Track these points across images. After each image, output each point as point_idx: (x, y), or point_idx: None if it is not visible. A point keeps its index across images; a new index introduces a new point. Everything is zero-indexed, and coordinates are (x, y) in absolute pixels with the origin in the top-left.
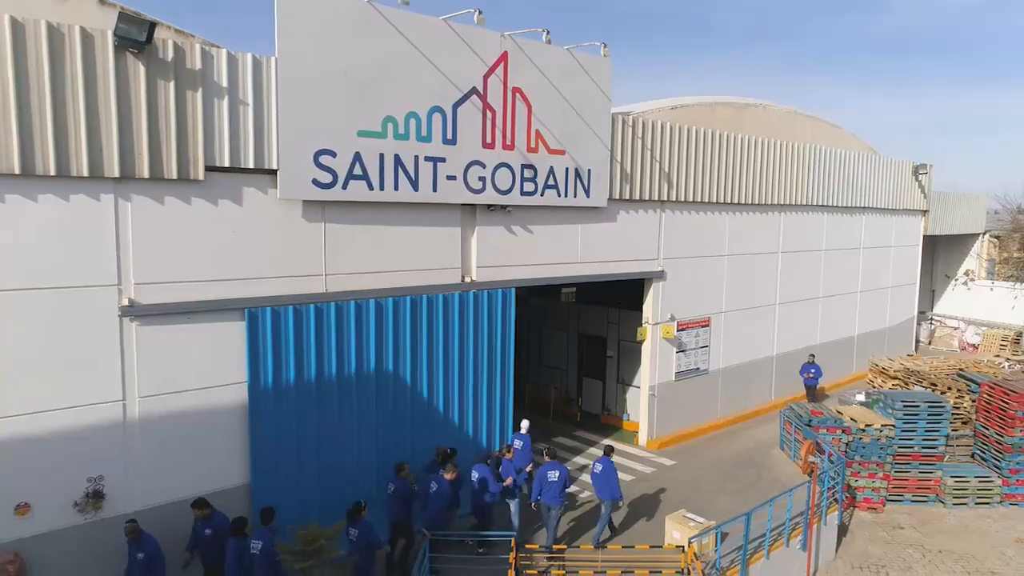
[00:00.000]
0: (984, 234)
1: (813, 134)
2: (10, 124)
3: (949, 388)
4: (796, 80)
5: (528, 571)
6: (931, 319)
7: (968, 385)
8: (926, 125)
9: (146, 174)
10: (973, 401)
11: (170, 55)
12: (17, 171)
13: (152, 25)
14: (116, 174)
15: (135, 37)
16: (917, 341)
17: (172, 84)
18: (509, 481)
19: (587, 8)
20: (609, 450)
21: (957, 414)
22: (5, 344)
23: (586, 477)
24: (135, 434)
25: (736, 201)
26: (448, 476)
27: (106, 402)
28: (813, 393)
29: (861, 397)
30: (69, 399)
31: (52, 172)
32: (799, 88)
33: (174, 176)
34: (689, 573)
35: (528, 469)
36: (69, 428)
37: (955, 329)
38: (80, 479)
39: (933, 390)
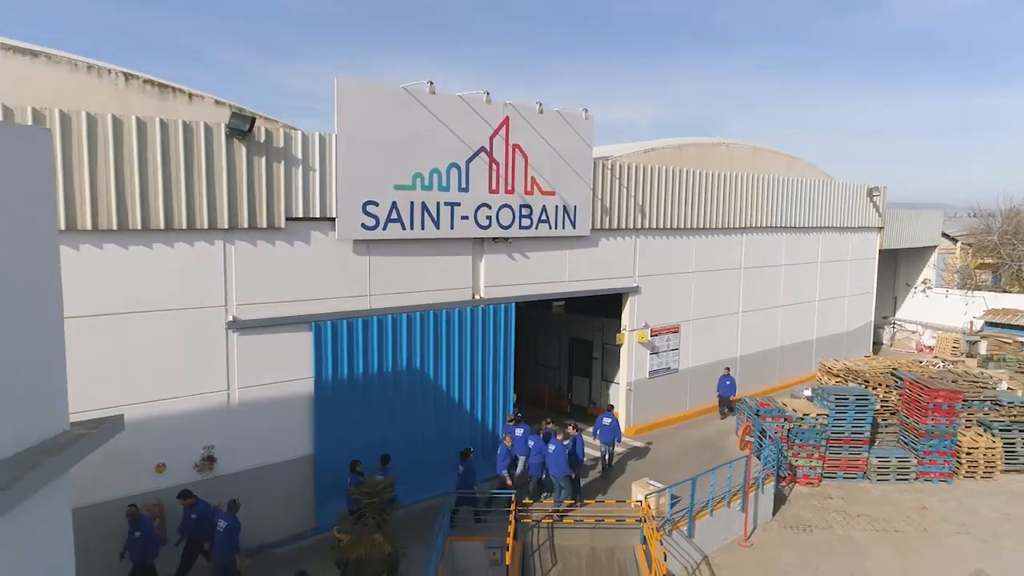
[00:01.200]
0: (956, 241)
1: (772, 165)
2: (158, 191)
3: (880, 384)
4: (796, 80)
5: (524, 519)
6: (893, 323)
7: (896, 381)
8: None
9: (245, 225)
10: (900, 395)
11: (263, 138)
12: (162, 226)
13: (253, 119)
14: (226, 226)
15: (241, 128)
16: (880, 343)
17: (264, 158)
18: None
19: (590, 9)
20: (551, 434)
21: (886, 406)
22: (149, 348)
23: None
24: (235, 415)
25: (701, 226)
26: (560, 438)
27: (216, 391)
28: (728, 403)
29: (808, 392)
30: (192, 389)
31: (184, 226)
32: (799, 88)
33: (264, 225)
34: (644, 520)
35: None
36: (191, 410)
37: (913, 333)
38: (198, 447)
39: (866, 386)
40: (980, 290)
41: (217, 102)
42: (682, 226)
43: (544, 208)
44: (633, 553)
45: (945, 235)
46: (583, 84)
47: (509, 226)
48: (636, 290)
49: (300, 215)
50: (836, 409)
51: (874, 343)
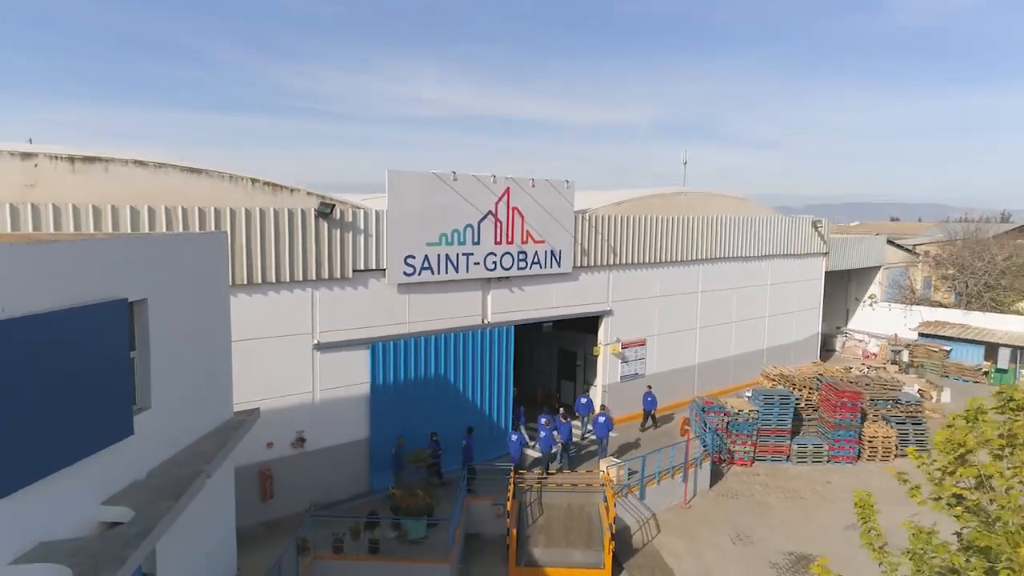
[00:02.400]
0: (919, 255)
1: (724, 208)
2: (272, 256)
3: (805, 387)
4: (796, 80)
5: (520, 484)
6: (844, 333)
7: (817, 384)
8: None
9: (326, 276)
10: (819, 395)
11: (339, 215)
12: (274, 280)
13: (333, 206)
14: (313, 278)
15: (324, 212)
16: (833, 350)
17: (338, 230)
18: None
19: (590, 10)
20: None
21: (809, 404)
22: (265, 363)
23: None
24: (317, 409)
25: (663, 260)
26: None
27: (305, 392)
28: (651, 417)
29: (748, 393)
30: (290, 390)
31: (287, 279)
32: (799, 89)
33: (338, 276)
34: (604, 485)
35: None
36: (290, 406)
37: (860, 341)
38: (293, 431)
39: (793, 389)
40: (920, 304)
41: (308, 193)
42: (647, 261)
43: (536, 253)
44: (597, 508)
45: (907, 249)
46: (583, 85)
47: (510, 268)
48: (609, 312)
49: (362, 268)
50: (764, 406)
51: (827, 350)
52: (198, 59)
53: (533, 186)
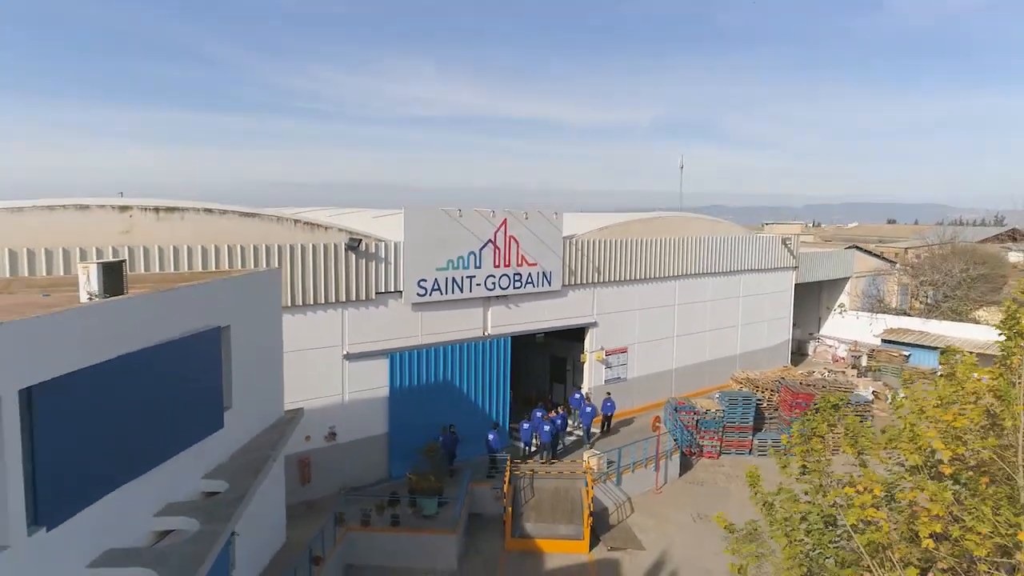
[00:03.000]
0: (895, 264)
1: (700, 229)
2: (310, 282)
3: (768, 389)
4: (796, 80)
5: (515, 472)
6: (817, 339)
7: (779, 387)
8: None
9: (354, 298)
10: (780, 396)
11: (363, 248)
12: (311, 302)
13: (360, 240)
14: (344, 299)
15: (353, 246)
16: (806, 355)
17: (364, 259)
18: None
19: (590, 10)
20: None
21: (771, 404)
22: (304, 370)
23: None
24: (346, 408)
25: (642, 278)
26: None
27: (337, 395)
28: (609, 421)
29: (717, 395)
30: (324, 393)
31: (323, 301)
32: (800, 89)
33: (364, 298)
34: (586, 473)
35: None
36: (324, 406)
37: (830, 347)
38: (327, 427)
39: (757, 391)
40: (885, 313)
41: (339, 230)
42: (627, 279)
43: (530, 274)
44: (579, 491)
45: (884, 258)
46: (583, 85)
47: (507, 288)
48: (594, 324)
49: (383, 290)
50: (729, 407)
51: (801, 354)
52: (198, 59)
53: (527, 218)
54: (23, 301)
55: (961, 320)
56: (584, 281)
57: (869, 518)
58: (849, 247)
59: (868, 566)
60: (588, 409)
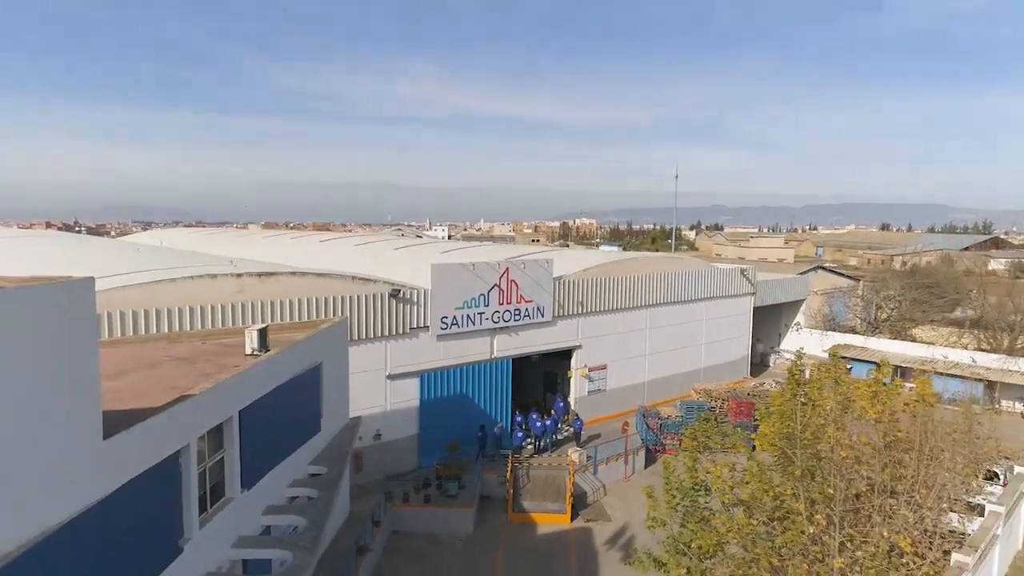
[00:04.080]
0: (859, 281)
1: (669, 265)
2: (364, 322)
3: (720, 398)
4: (796, 81)
5: (516, 463)
6: (777, 352)
7: (729, 396)
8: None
9: (394, 333)
10: (729, 405)
11: (401, 295)
12: (366, 336)
13: (399, 290)
14: (387, 334)
15: (394, 294)
16: (768, 366)
17: (402, 303)
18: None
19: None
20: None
21: (723, 411)
22: (365, 387)
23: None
24: (389, 416)
25: (618, 308)
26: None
27: (381, 405)
28: (579, 437)
29: (678, 403)
30: (374, 404)
31: (374, 336)
32: (800, 89)
33: (401, 332)
34: (570, 466)
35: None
36: (373, 414)
37: (787, 359)
38: (374, 429)
39: (711, 400)
40: (836, 331)
41: (384, 282)
42: (606, 309)
43: (527, 309)
44: (564, 478)
45: (847, 276)
46: (583, 85)
47: (509, 320)
48: (579, 346)
49: (415, 326)
50: (686, 413)
51: (764, 366)
52: (198, 59)
53: (524, 267)
54: (191, 347)
55: (900, 338)
56: (571, 312)
57: (720, 486)
58: (813, 268)
59: (718, 516)
60: (548, 422)
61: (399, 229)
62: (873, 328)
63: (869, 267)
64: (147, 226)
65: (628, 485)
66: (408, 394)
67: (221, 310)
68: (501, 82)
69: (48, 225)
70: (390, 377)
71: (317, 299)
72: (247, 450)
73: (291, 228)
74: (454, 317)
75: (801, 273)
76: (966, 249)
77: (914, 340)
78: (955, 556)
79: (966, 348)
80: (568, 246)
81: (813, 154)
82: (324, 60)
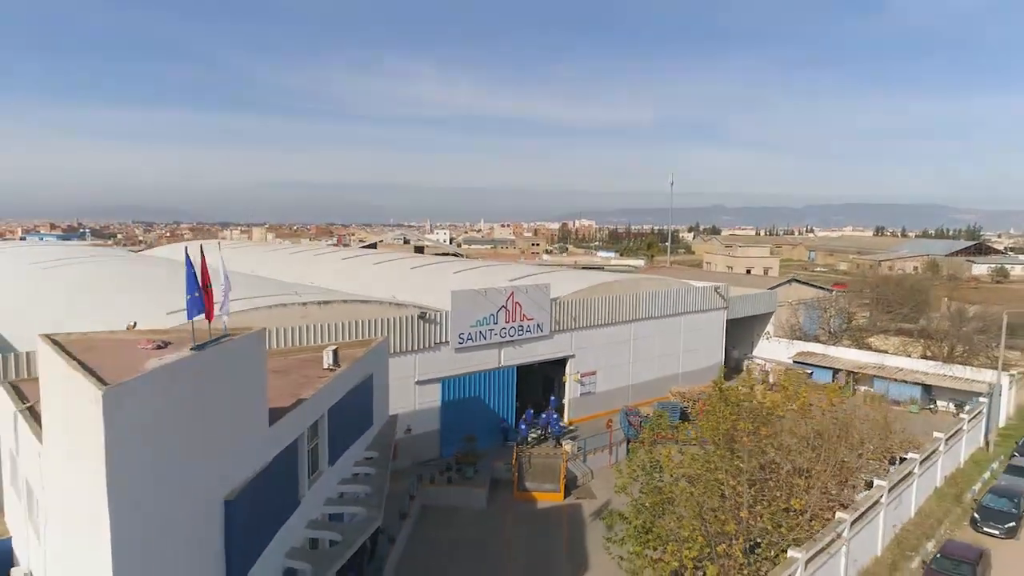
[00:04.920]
0: (832, 291)
1: (649, 285)
2: (398, 339)
3: (692, 400)
4: (796, 81)
5: (521, 452)
6: (750, 358)
7: (699, 398)
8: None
9: (422, 347)
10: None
11: (428, 317)
12: (400, 350)
13: (426, 313)
14: (415, 348)
15: (422, 316)
16: (742, 371)
17: (428, 323)
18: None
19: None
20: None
21: (694, 410)
22: (395, 391)
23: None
24: (417, 414)
25: (607, 323)
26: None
27: (410, 406)
28: (558, 439)
29: (656, 404)
30: (405, 405)
31: (408, 350)
32: (800, 89)
33: (427, 347)
34: (564, 455)
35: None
36: (406, 412)
37: (759, 364)
38: (406, 425)
39: (684, 401)
40: (802, 339)
41: (415, 306)
42: (595, 324)
43: (529, 325)
44: (559, 464)
45: (820, 287)
46: (584, 85)
47: (513, 336)
48: (573, 356)
49: (438, 341)
50: (661, 411)
51: (739, 371)
52: (198, 59)
53: (526, 292)
54: (278, 362)
55: (858, 346)
56: (565, 327)
57: (668, 464)
58: (787, 281)
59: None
60: (556, 420)
61: (402, 233)
62: (835, 338)
63: (858, 271)
64: (148, 226)
65: (611, 471)
66: (432, 396)
67: (293, 332)
68: (501, 82)
69: (52, 227)
70: (418, 383)
71: (364, 321)
72: (332, 437)
73: (295, 230)
74: (469, 333)
75: (771, 288)
76: (952, 254)
77: (870, 348)
78: (838, 514)
79: (909, 356)
80: (567, 249)
81: (814, 154)
82: (324, 60)
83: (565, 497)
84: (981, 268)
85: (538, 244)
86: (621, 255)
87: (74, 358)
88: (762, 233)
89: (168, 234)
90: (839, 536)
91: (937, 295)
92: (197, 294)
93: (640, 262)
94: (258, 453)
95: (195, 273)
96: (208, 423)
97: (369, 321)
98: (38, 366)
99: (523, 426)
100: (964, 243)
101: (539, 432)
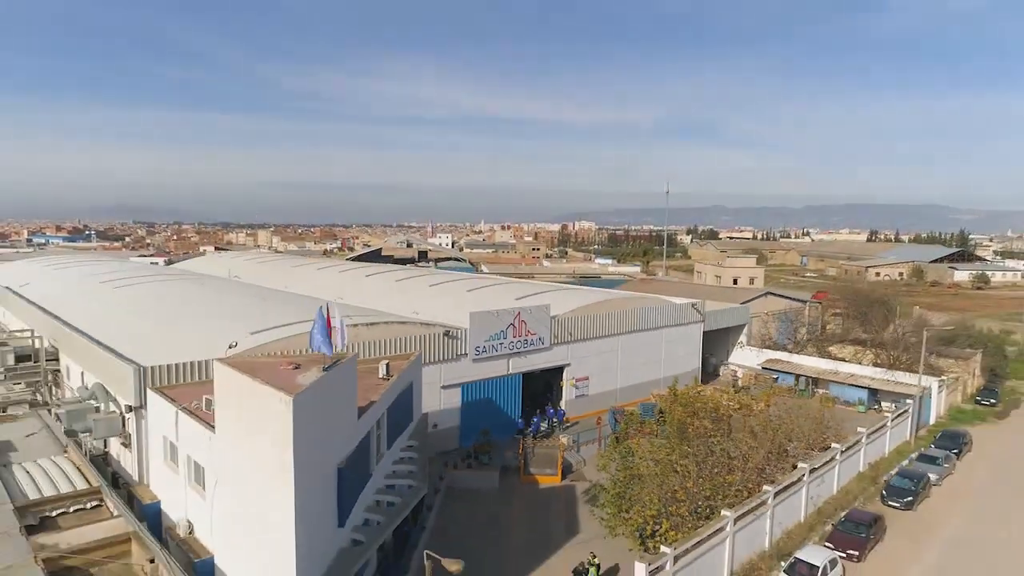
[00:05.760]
0: (805, 304)
1: (635, 304)
2: (428, 351)
3: (678, 393)
4: (797, 81)
5: (525, 445)
6: (726, 364)
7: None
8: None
9: (446, 358)
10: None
11: (451, 334)
12: (429, 361)
13: (450, 330)
14: (441, 359)
15: (447, 333)
16: (718, 375)
17: (451, 339)
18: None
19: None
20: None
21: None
22: (448, 397)
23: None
24: (442, 413)
25: (598, 335)
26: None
27: (437, 407)
28: (554, 429)
29: (640, 404)
30: (432, 406)
31: (433, 360)
32: (800, 89)
33: (450, 358)
34: (561, 447)
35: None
36: (432, 411)
37: (733, 370)
38: (433, 422)
39: (663, 402)
40: (770, 348)
41: (440, 325)
42: (588, 337)
43: (532, 339)
44: (556, 453)
45: (795, 299)
46: (584, 85)
47: (520, 348)
48: (569, 364)
49: (459, 353)
50: (643, 411)
51: (716, 375)
52: (198, 59)
53: (531, 312)
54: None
55: (820, 354)
56: (563, 340)
57: (638, 449)
58: (763, 294)
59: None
60: (556, 415)
61: (406, 238)
62: (800, 346)
63: (845, 277)
64: (150, 227)
65: (599, 459)
66: (453, 398)
67: (352, 348)
68: (501, 82)
69: (58, 229)
70: (443, 387)
71: (403, 339)
72: (388, 429)
73: (299, 234)
74: (484, 347)
75: (746, 301)
76: (936, 261)
77: (829, 356)
78: (764, 487)
79: (860, 363)
80: (567, 253)
81: (814, 154)
82: (324, 60)
83: (562, 480)
84: (963, 275)
85: (538, 249)
86: (618, 261)
87: (255, 376)
88: (759, 236)
89: (174, 236)
90: (763, 503)
91: (910, 304)
92: (325, 335)
93: (636, 269)
94: (352, 438)
95: (325, 323)
96: (330, 416)
97: (407, 338)
98: (215, 380)
99: (536, 419)
100: (947, 250)
101: (547, 425)
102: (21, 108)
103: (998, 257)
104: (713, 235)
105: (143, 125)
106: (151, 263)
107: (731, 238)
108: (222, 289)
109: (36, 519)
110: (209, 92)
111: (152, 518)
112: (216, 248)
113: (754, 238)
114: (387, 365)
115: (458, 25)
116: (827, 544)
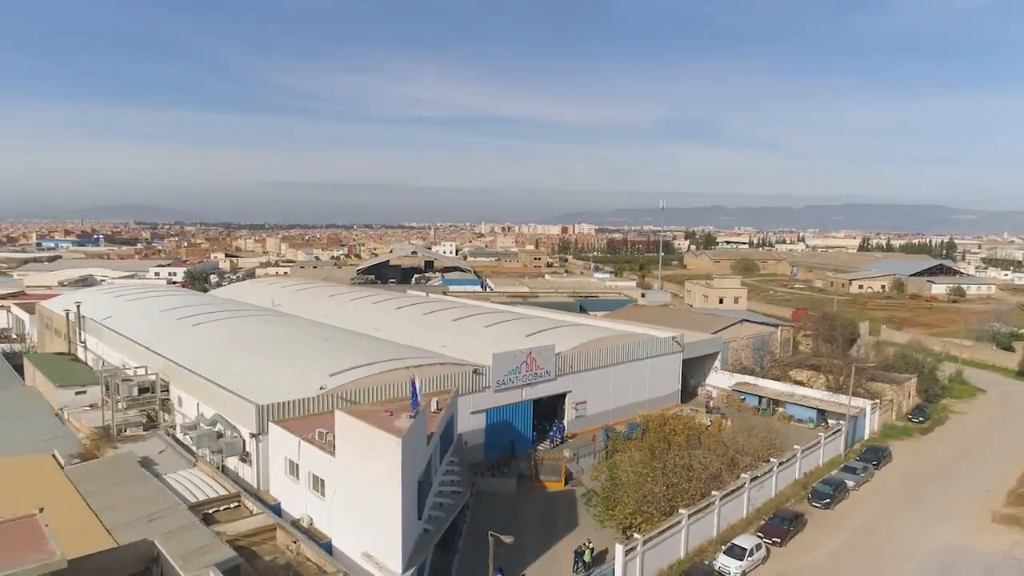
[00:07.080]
0: (778, 328)
1: (627, 339)
2: (461, 385)
3: (651, 420)
4: (797, 80)
5: (536, 457)
6: (703, 386)
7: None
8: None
9: (476, 390)
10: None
11: (479, 372)
12: (462, 393)
13: (477, 368)
14: (472, 391)
15: (475, 370)
16: (696, 395)
17: (479, 374)
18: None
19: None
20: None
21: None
22: (475, 419)
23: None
24: (471, 432)
25: (594, 367)
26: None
27: (469, 427)
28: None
29: (627, 423)
30: (464, 427)
31: (465, 392)
32: (800, 88)
33: (477, 389)
34: (564, 458)
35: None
36: (464, 431)
37: (708, 391)
38: (465, 440)
39: (647, 421)
40: (739, 372)
41: (471, 365)
42: (586, 368)
43: (540, 372)
44: (561, 463)
45: (769, 323)
46: (583, 85)
47: (531, 380)
48: (570, 391)
49: (484, 386)
50: (629, 429)
51: (694, 396)
52: (198, 58)
53: (540, 352)
54: (398, 407)
55: (781, 378)
56: (566, 371)
57: (623, 464)
58: (739, 320)
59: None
60: (558, 431)
61: (411, 245)
62: (765, 371)
63: (832, 289)
64: (153, 227)
65: (593, 469)
66: (480, 421)
67: (401, 387)
68: (501, 82)
69: (67, 233)
70: (471, 412)
71: (442, 375)
72: (441, 448)
73: (306, 240)
74: (503, 380)
75: (717, 331)
76: (916, 275)
77: (790, 379)
78: (713, 492)
79: (811, 387)
80: (567, 261)
81: (814, 155)
82: (325, 60)
83: (565, 485)
84: (940, 288)
85: (539, 258)
86: (616, 274)
87: (368, 421)
88: (756, 240)
89: (182, 241)
90: (711, 504)
91: (884, 319)
92: (415, 397)
93: (632, 283)
94: (424, 459)
95: (414, 388)
96: (415, 447)
97: (445, 375)
98: (336, 423)
99: (552, 432)
100: (931, 262)
101: (550, 444)
102: (21, 108)
103: (983, 265)
104: (711, 241)
105: (143, 125)
106: (170, 273)
107: (728, 242)
108: (285, 325)
109: (201, 515)
110: (209, 92)
111: (275, 514)
112: (226, 255)
113: (751, 243)
114: (436, 401)
115: (458, 25)
116: (758, 534)
